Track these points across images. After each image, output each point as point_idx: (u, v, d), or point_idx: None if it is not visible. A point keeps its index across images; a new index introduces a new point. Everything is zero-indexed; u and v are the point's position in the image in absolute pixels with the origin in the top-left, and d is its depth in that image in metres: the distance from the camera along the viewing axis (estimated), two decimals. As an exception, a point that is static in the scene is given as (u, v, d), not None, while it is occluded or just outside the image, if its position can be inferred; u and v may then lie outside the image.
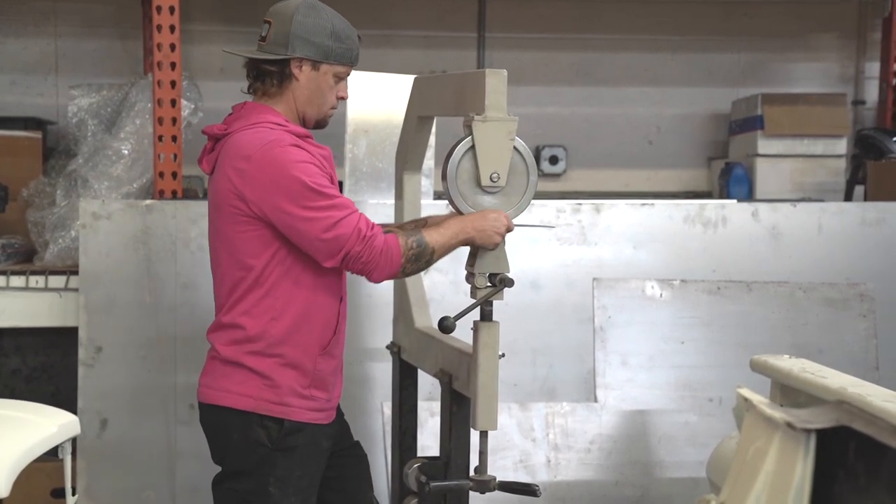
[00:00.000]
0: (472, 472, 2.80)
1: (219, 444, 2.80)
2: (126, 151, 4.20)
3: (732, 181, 5.45)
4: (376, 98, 4.05)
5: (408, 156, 3.25)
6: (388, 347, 3.34)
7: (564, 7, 5.84)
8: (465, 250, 2.73)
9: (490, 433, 2.73)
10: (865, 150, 5.40)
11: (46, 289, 4.07)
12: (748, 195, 5.39)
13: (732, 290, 3.97)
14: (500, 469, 3.63)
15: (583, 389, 4.03)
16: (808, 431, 1.69)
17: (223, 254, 2.76)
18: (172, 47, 4.07)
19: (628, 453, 3.86)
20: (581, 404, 3.88)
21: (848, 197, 5.27)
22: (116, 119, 4.36)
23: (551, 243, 4.12)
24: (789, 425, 1.72)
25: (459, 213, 2.68)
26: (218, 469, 2.81)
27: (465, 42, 5.79)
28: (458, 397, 2.81)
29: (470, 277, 2.68)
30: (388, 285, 3.41)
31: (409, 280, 3.22)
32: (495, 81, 2.59)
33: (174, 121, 4.08)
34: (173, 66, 4.07)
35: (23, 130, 4.81)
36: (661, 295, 3.93)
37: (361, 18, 5.33)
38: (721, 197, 5.45)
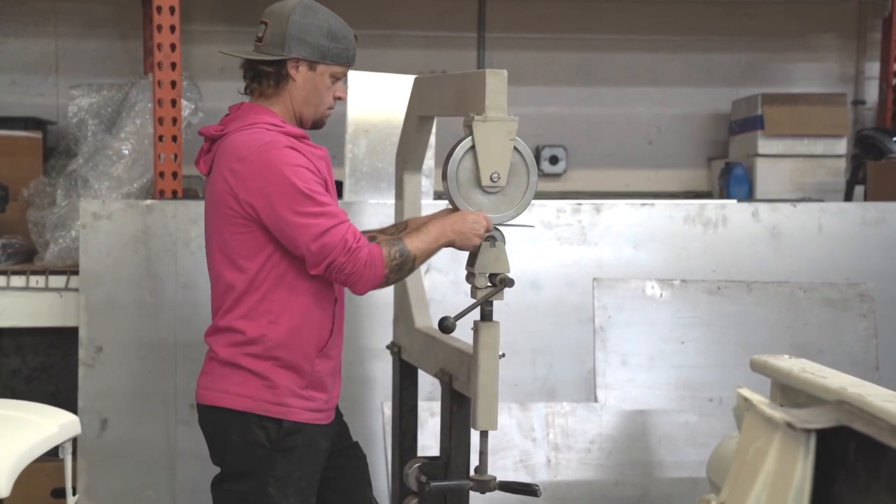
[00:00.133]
0: (472, 472, 2.80)
1: (218, 445, 2.80)
2: (126, 151, 4.20)
3: (732, 181, 5.45)
4: (376, 98, 4.05)
5: (408, 156, 3.25)
6: (388, 347, 3.34)
7: (564, 7, 5.84)
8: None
9: (490, 433, 2.73)
10: (865, 150, 5.40)
11: (47, 289, 4.07)
12: (748, 195, 5.39)
13: (732, 290, 3.97)
14: (500, 469, 3.63)
15: (583, 389, 4.03)
16: (808, 431, 1.69)
17: (217, 255, 2.76)
18: (173, 47, 4.07)
19: (628, 453, 3.86)
20: (581, 404, 3.88)
21: (848, 197, 5.27)
22: (117, 119, 4.36)
23: (551, 243, 4.12)
24: (789, 425, 1.72)
25: (456, 209, 2.68)
26: (217, 470, 2.82)
27: (465, 42, 5.79)
28: (458, 397, 2.81)
29: (470, 277, 2.69)
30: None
31: (410, 280, 3.22)
32: (495, 81, 2.59)
33: (174, 121, 4.08)
34: (173, 66, 4.07)
35: (23, 130, 4.81)
36: (661, 295, 3.93)
37: (361, 18, 5.36)
38: (721, 197, 5.45)
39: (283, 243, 2.66)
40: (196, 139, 2.91)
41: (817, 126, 5.47)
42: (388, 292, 3.43)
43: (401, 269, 2.70)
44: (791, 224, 4.26)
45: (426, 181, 3.86)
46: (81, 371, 3.90)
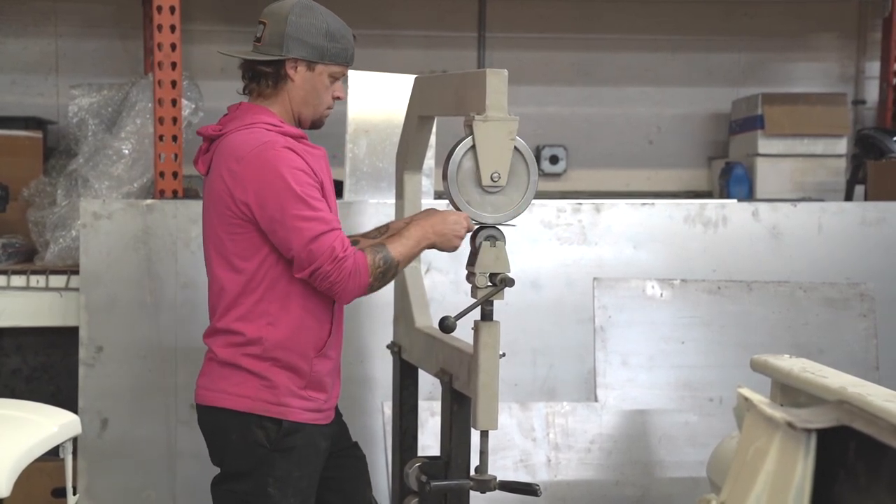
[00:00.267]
0: (472, 472, 2.80)
1: (217, 446, 2.80)
2: (127, 151, 4.20)
3: (733, 181, 5.45)
4: (377, 98, 4.05)
5: (408, 155, 3.25)
6: (388, 347, 3.34)
7: (564, 7, 5.84)
8: (466, 250, 2.73)
9: (490, 433, 2.73)
10: (865, 150, 5.40)
11: (47, 288, 4.07)
12: (748, 195, 5.39)
13: (732, 290, 3.97)
14: (500, 469, 3.63)
15: (583, 389, 4.03)
16: (808, 431, 1.69)
17: (214, 256, 2.76)
18: (173, 47, 4.07)
19: (629, 453, 3.86)
20: (581, 404, 3.88)
21: (848, 197, 5.27)
22: (117, 119, 4.36)
23: (551, 243, 4.12)
24: (790, 425, 1.72)
25: (457, 209, 2.68)
26: (217, 470, 2.82)
27: (466, 42, 5.79)
28: (458, 397, 2.81)
29: (470, 277, 2.69)
30: (388, 285, 3.41)
31: (410, 280, 3.22)
32: (496, 81, 2.59)
33: (175, 120, 4.08)
34: (174, 65, 4.07)
35: (23, 130, 4.81)
36: (661, 295, 3.93)
37: (361, 18, 5.36)
38: (721, 197, 5.45)
39: (274, 244, 2.66)
40: (196, 139, 2.92)
41: (817, 126, 5.47)
42: (388, 292, 3.42)
43: (385, 276, 2.70)
44: (791, 224, 4.26)
45: (426, 181, 3.86)
46: (82, 371, 3.90)
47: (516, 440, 3.80)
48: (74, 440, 2.91)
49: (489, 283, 2.66)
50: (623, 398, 3.87)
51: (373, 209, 3.94)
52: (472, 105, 2.65)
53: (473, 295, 2.67)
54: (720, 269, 4.17)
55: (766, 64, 6.02)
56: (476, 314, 2.66)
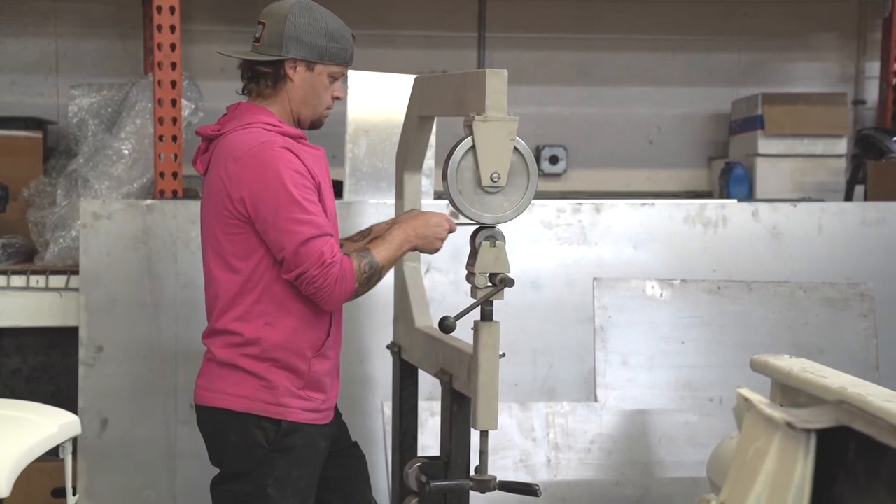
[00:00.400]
0: (472, 472, 2.80)
1: (216, 446, 2.80)
2: (126, 151, 4.20)
3: (733, 181, 5.45)
4: (377, 98, 4.05)
5: (408, 156, 3.25)
6: (388, 347, 3.34)
7: (564, 7, 5.84)
8: (466, 249, 2.73)
9: (490, 433, 2.73)
10: (865, 150, 5.40)
11: (47, 288, 4.07)
12: (748, 195, 5.39)
13: (732, 290, 3.97)
14: (500, 469, 3.63)
15: (583, 389, 4.03)
16: (808, 431, 1.69)
17: (211, 256, 2.76)
18: (173, 47, 4.07)
19: (628, 453, 3.86)
20: (581, 404, 3.88)
21: (848, 197, 5.27)
22: (117, 119, 4.36)
23: (551, 243, 4.12)
24: (789, 425, 1.72)
25: (459, 212, 2.68)
26: (217, 470, 2.82)
27: (466, 42, 5.79)
28: (458, 397, 2.81)
29: (470, 277, 2.69)
30: (388, 285, 3.41)
31: (409, 280, 3.22)
32: (496, 81, 2.59)
33: (175, 121, 4.08)
34: (174, 65, 4.07)
35: (23, 130, 4.81)
36: (661, 295, 3.93)
37: (361, 18, 5.37)
38: (721, 197, 5.45)
39: (267, 244, 2.66)
40: (196, 139, 2.92)
41: (817, 126, 5.47)
42: (388, 292, 3.43)
43: (370, 282, 2.72)
44: (791, 224, 4.26)
45: (426, 181, 3.86)
46: (82, 371, 3.90)
47: (516, 440, 3.80)
48: (74, 440, 2.91)
49: (489, 284, 2.66)
50: (623, 398, 3.87)
51: (373, 209, 3.94)
52: (471, 105, 2.65)
53: (473, 295, 2.68)
54: (720, 269, 4.17)
55: (766, 64, 6.02)
56: (476, 314, 2.66)
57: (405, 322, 3.23)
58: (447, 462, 2.84)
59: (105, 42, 5.43)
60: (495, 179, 2.63)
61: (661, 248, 4.18)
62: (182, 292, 3.90)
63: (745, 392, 1.95)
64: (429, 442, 3.53)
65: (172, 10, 4.07)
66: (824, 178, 5.47)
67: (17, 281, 4.07)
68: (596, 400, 3.87)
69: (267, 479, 2.70)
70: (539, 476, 3.77)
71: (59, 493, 3.41)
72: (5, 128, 4.78)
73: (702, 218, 4.22)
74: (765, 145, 5.46)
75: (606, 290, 3.90)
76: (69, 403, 3.64)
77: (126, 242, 3.92)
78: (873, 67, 5.98)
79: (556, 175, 5.86)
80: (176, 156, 4.09)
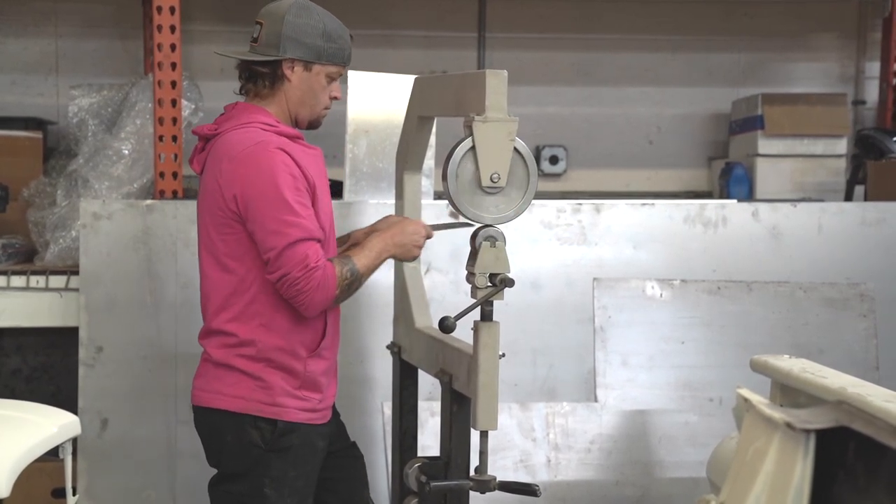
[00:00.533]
0: (472, 472, 2.80)
1: (213, 447, 2.80)
2: (126, 151, 4.20)
3: (733, 181, 5.45)
4: (377, 98, 4.05)
5: (408, 156, 3.25)
6: (388, 347, 3.34)
7: (564, 7, 5.84)
8: (466, 249, 2.73)
9: (490, 433, 2.73)
10: (865, 150, 5.40)
11: (47, 289, 4.07)
12: (748, 195, 5.39)
13: (732, 290, 3.97)
14: (500, 469, 3.63)
15: (583, 389, 4.03)
16: (807, 432, 1.69)
17: (206, 255, 2.76)
18: (173, 47, 4.07)
19: (628, 453, 3.86)
20: (581, 404, 3.89)
21: (848, 197, 5.27)
22: (117, 119, 4.36)
23: (551, 243, 4.12)
24: (789, 425, 1.72)
25: (459, 212, 2.68)
26: (216, 471, 2.82)
27: (466, 42, 5.79)
28: (458, 397, 2.81)
29: (470, 277, 2.68)
30: (388, 285, 3.41)
31: (409, 280, 3.22)
32: (496, 82, 2.59)
33: (175, 121, 4.08)
34: (174, 66, 4.07)
35: (23, 130, 4.81)
36: (661, 295, 3.93)
37: (361, 18, 5.37)
38: (721, 197, 5.45)
39: (256, 243, 2.66)
40: (196, 139, 2.92)
41: (817, 126, 5.47)
42: (388, 292, 3.43)
43: (350, 288, 2.72)
44: (791, 224, 4.26)
45: (426, 181, 3.86)
46: (81, 371, 3.90)
47: (516, 440, 3.80)
48: (74, 440, 2.91)
49: (489, 284, 2.66)
50: (623, 398, 3.87)
51: (373, 209, 3.94)
52: (471, 106, 2.65)
53: (473, 295, 2.67)
54: (720, 270, 4.17)
55: (766, 64, 6.02)
56: (476, 314, 2.67)
57: (405, 322, 3.23)
58: (447, 462, 2.84)
59: (105, 42, 5.43)
60: (495, 180, 2.63)
61: (660, 248, 4.18)
62: (182, 292, 3.90)
63: (745, 392, 1.95)
64: (429, 442, 3.53)
65: (172, 10, 4.07)
66: (824, 178, 5.46)
67: (17, 281, 4.07)
68: (596, 400, 3.87)
69: (264, 480, 2.70)
70: (539, 476, 3.77)
71: (59, 493, 3.41)
72: (5, 128, 4.78)
73: (702, 218, 4.22)
74: (765, 145, 5.46)
75: (606, 291, 3.90)
76: (69, 403, 3.64)
77: (126, 242, 3.92)
78: (873, 67, 5.98)
79: (556, 175, 5.86)
80: (176, 156, 4.09)
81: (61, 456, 2.87)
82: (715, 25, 5.96)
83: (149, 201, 3.98)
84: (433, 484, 2.73)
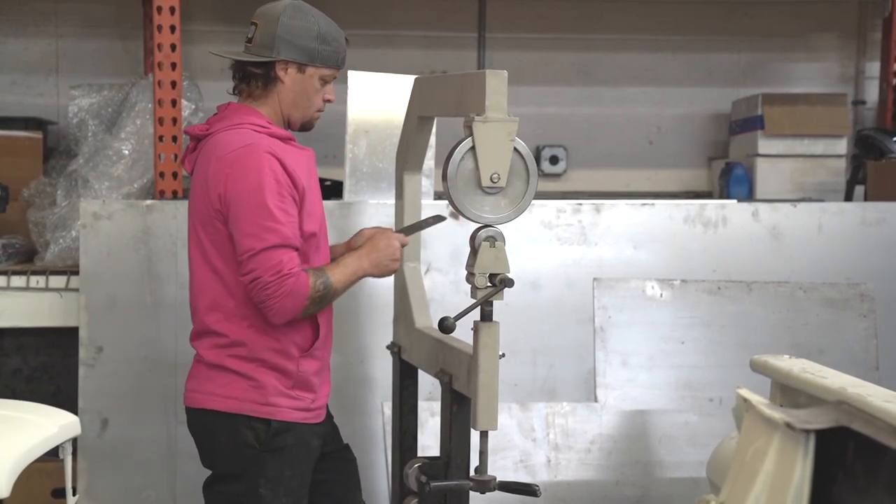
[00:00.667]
0: (472, 472, 2.80)
1: (207, 448, 2.80)
2: (126, 151, 4.20)
3: (733, 181, 5.45)
4: (376, 98, 4.05)
5: (408, 156, 3.25)
6: (388, 347, 3.34)
7: (564, 7, 5.84)
8: (466, 249, 2.73)
9: (490, 433, 2.73)
10: (865, 150, 5.39)
11: (47, 289, 4.07)
12: (748, 195, 5.39)
13: (732, 290, 3.97)
14: (500, 469, 3.63)
15: (583, 389, 4.03)
16: (807, 432, 1.69)
17: (195, 255, 2.76)
18: (173, 47, 4.07)
19: (629, 453, 3.86)
20: (581, 404, 3.88)
21: (848, 197, 5.27)
22: (117, 119, 4.36)
23: (551, 243, 4.12)
24: (789, 426, 1.72)
25: (459, 212, 2.68)
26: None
27: (466, 42, 5.79)
28: (458, 397, 2.81)
29: (470, 277, 2.68)
30: (388, 285, 3.41)
31: (409, 280, 3.22)
32: (496, 82, 2.59)
33: (175, 121, 4.08)
34: (174, 66, 4.07)
35: (23, 130, 4.81)
36: (661, 295, 3.93)
37: (361, 18, 5.37)
38: (721, 197, 5.45)
39: (233, 243, 2.66)
40: (195, 139, 2.92)
41: (817, 126, 5.47)
42: (388, 292, 3.43)
43: (322, 301, 2.70)
44: (791, 224, 4.26)
45: (426, 181, 3.86)
46: (82, 371, 3.90)
47: (516, 440, 3.79)
48: (74, 440, 2.91)
49: (489, 284, 2.66)
50: (623, 398, 3.87)
51: (373, 209, 3.94)
52: (471, 106, 2.65)
53: (473, 295, 2.67)
54: (720, 270, 4.17)
55: (766, 64, 6.02)
56: (476, 314, 2.67)
57: (405, 322, 3.23)
58: (447, 462, 2.84)
59: (105, 42, 5.43)
60: (495, 180, 2.63)
61: (661, 248, 4.18)
62: (182, 292, 3.89)
63: (745, 392, 1.95)
64: (429, 442, 3.53)
65: (172, 10, 4.07)
66: (824, 178, 5.46)
67: (18, 281, 4.07)
68: (596, 400, 3.87)
69: (259, 480, 2.70)
70: (539, 476, 3.77)
71: (59, 493, 3.40)
72: (5, 128, 4.78)
73: (702, 218, 4.22)
74: (765, 145, 5.46)
75: (606, 291, 3.90)
76: (69, 403, 3.64)
77: (126, 242, 3.92)
78: (873, 67, 5.98)
79: (556, 175, 5.86)
80: (176, 156, 4.09)
81: (61, 456, 2.87)
82: (715, 25, 5.96)
83: (149, 201, 3.98)
84: (433, 484, 2.73)
